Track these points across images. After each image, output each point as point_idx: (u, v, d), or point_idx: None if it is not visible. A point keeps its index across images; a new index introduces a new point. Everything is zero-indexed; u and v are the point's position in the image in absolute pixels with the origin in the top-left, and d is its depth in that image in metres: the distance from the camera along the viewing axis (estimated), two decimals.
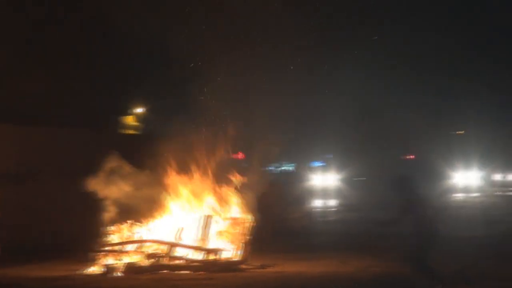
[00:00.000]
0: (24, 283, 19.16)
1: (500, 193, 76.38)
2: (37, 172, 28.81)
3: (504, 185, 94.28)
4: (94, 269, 21.16)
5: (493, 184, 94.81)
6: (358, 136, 79.62)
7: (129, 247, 21.83)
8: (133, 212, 23.00)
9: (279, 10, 28.19)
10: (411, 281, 18.82)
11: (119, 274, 20.67)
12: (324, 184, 67.49)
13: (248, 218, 22.55)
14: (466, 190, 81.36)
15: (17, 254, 23.44)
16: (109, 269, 20.94)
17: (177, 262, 21.38)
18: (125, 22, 28.05)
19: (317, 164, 77.42)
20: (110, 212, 22.67)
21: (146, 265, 21.15)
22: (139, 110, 34.02)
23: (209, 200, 23.45)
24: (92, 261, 21.55)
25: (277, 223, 32.02)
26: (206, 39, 25.05)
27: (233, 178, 23.63)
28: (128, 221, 22.78)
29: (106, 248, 21.67)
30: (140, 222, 22.85)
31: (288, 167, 74.00)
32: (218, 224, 22.78)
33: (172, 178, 23.63)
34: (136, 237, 22.23)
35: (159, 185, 23.44)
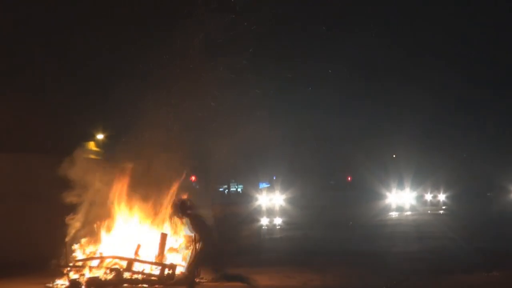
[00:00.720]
0: None
1: (430, 211, 77.01)
2: (3, 195, 28.84)
3: (434, 204, 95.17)
4: (59, 284, 21.20)
5: (424, 203, 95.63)
6: (299, 160, 79.92)
7: (91, 263, 21.93)
8: (94, 230, 23.12)
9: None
10: None
11: None
12: (270, 203, 67.63)
13: (200, 237, 22.74)
14: (400, 209, 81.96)
15: None
16: (73, 283, 21.02)
17: (135, 276, 21.49)
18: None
19: (263, 184, 77.56)
20: (73, 230, 22.76)
21: (107, 279, 21.24)
22: (100, 136, 34.04)
23: (165, 219, 23.59)
24: (57, 276, 21.59)
25: (228, 241, 32.21)
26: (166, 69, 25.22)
27: (187, 199, 23.77)
28: (90, 238, 22.90)
29: (70, 264, 21.70)
30: (101, 239, 22.97)
31: (236, 188, 74.10)
32: (173, 242, 22.98)
33: (130, 198, 23.75)
34: (98, 253, 22.33)
35: (119, 205, 23.57)
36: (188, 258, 22.44)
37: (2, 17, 29.44)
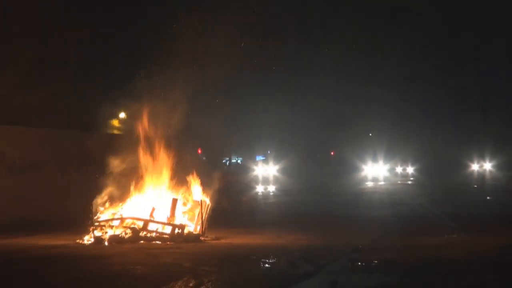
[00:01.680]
0: (32, 249, 19.20)
1: (400, 182, 77.19)
2: (40, 164, 28.84)
3: (404, 175, 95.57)
4: (86, 240, 21.20)
5: (395, 175, 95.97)
6: (290, 137, 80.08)
7: (113, 223, 21.93)
8: (117, 194, 23.13)
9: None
10: (329, 249, 19.15)
11: (105, 243, 20.75)
12: (265, 173, 67.65)
13: (206, 201, 22.77)
14: (375, 179, 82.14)
15: (26, 228, 23.46)
16: (97, 239, 21.02)
17: (150, 235, 21.51)
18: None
19: (259, 158, 77.57)
20: (98, 194, 22.78)
21: (126, 237, 21.24)
22: (122, 114, 33.91)
23: (176, 186, 23.62)
24: (84, 234, 21.61)
25: (228, 205, 32.23)
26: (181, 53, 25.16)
27: (194, 169, 23.81)
28: (113, 202, 22.92)
29: (95, 224, 21.71)
30: (122, 202, 22.99)
31: (237, 160, 74.08)
32: (183, 205, 23.01)
33: (147, 168, 23.77)
34: (118, 215, 22.33)
35: (137, 174, 23.59)
36: (195, 220, 22.46)
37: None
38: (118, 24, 27.53)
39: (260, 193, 50.98)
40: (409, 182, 76.07)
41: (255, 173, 64.75)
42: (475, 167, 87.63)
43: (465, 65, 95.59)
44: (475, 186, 63.46)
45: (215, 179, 24.32)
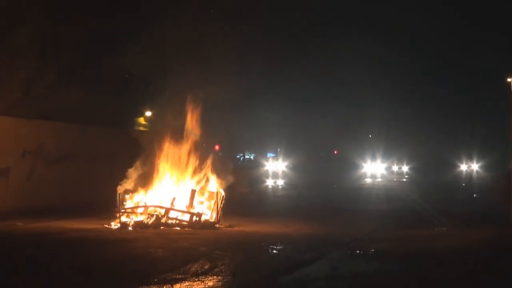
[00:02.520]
0: (64, 232, 19.26)
1: (396, 179, 77.10)
2: (73, 156, 28.96)
3: (399, 173, 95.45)
4: (113, 225, 21.26)
5: (392, 172, 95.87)
6: (298, 136, 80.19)
7: (138, 210, 22.00)
8: (141, 184, 23.20)
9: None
10: (330, 239, 19.17)
11: (130, 228, 20.79)
12: (275, 169, 67.57)
13: (221, 192, 22.78)
14: (373, 176, 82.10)
15: (61, 213, 23.55)
16: (123, 224, 21.07)
17: (171, 221, 21.56)
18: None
19: (270, 154, 77.51)
20: (125, 184, 22.85)
21: (149, 223, 21.30)
22: (148, 113, 33.97)
23: (195, 178, 23.68)
24: (112, 219, 21.67)
25: (241, 196, 32.25)
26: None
27: (211, 164, 23.86)
28: (138, 191, 22.99)
29: (122, 210, 21.76)
30: (146, 192, 23.06)
31: (250, 156, 74.11)
32: (200, 196, 23.04)
33: (170, 162, 23.83)
34: (143, 203, 22.39)
35: (161, 167, 23.66)
36: (211, 209, 22.49)
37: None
38: (146, 28, 27.54)
39: (270, 187, 50.98)
40: (404, 180, 75.95)
41: (266, 168, 64.60)
42: (463, 167, 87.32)
43: (458, 72, 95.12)
44: (463, 184, 63.29)
45: (230, 173, 24.33)
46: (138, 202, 22.56)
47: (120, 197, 22.04)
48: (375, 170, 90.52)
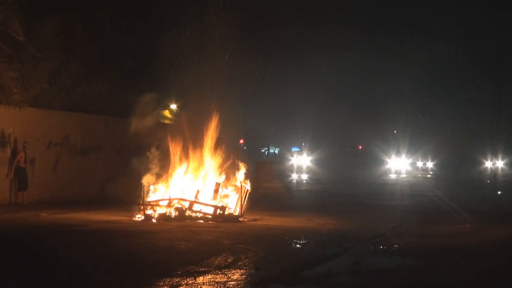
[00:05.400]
0: (88, 223, 19.37)
1: (421, 175, 76.81)
2: (98, 147, 29.12)
3: (424, 169, 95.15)
4: (137, 217, 21.32)
5: (416, 168, 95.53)
6: (323, 131, 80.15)
7: (162, 203, 22.02)
8: (165, 177, 23.26)
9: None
10: (354, 234, 19.11)
11: (154, 221, 20.84)
12: (299, 163, 67.57)
13: (245, 186, 22.77)
14: (397, 172, 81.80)
15: (85, 204, 23.69)
16: (147, 217, 21.12)
17: (194, 214, 21.58)
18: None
19: (295, 149, 77.54)
20: (150, 177, 22.92)
21: (173, 215, 21.34)
22: (173, 106, 34.01)
23: (220, 171, 23.69)
24: (136, 211, 21.75)
25: (265, 190, 32.22)
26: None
27: (236, 158, 23.87)
28: (162, 184, 23.04)
29: (146, 203, 21.81)
30: (170, 185, 23.10)
31: (274, 150, 74.18)
32: (224, 189, 23.04)
33: (194, 156, 23.84)
34: (167, 196, 22.42)
35: (186, 160, 23.68)
36: (235, 202, 22.48)
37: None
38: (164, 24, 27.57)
39: (294, 181, 50.93)
40: (429, 176, 75.67)
41: (290, 162, 64.68)
42: (488, 164, 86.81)
43: (485, 69, 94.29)
44: (488, 181, 62.90)
45: (255, 167, 24.34)
46: (162, 195, 22.58)
47: (145, 189, 22.09)
48: (400, 165, 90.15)
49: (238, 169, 23.36)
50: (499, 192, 44.07)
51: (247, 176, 23.40)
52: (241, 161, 23.58)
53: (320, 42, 48.45)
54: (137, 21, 30.92)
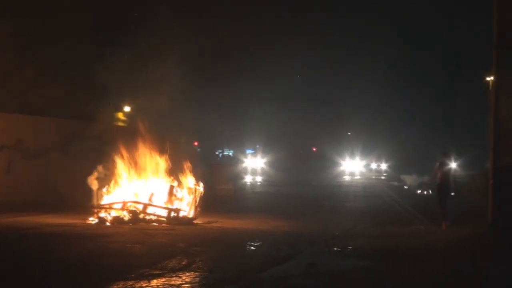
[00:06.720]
0: (41, 227, 19.19)
1: (375, 177, 77.42)
2: (51, 150, 28.80)
3: (378, 171, 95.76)
4: (91, 220, 21.18)
5: (370, 170, 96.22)
6: (277, 134, 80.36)
7: (116, 206, 21.92)
8: (119, 180, 23.14)
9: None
10: (308, 235, 19.21)
11: (108, 224, 20.73)
12: (253, 165, 67.61)
13: (199, 188, 22.77)
14: (352, 174, 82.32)
15: (38, 208, 23.45)
16: (101, 220, 21.01)
17: (149, 217, 21.53)
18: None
19: (249, 151, 77.56)
20: (103, 179, 22.79)
21: (127, 218, 21.25)
22: (126, 108, 33.82)
23: (173, 173, 23.63)
24: (89, 215, 21.61)
25: (220, 192, 32.24)
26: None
27: (190, 159, 23.86)
28: (116, 187, 22.93)
29: (99, 206, 21.71)
30: (124, 188, 22.99)
31: (229, 153, 74.11)
32: (178, 191, 22.98)
33: (148, 157, 23.75)
34: (120, 199, 22.31)
35: (139, 162, 23.58)
36: (189, 205, 22.47)
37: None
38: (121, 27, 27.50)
39: (248, 183, 50.96)
40: (382, 177, 76.27)
41: (244, 164, 64.65)
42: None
43: (437, 71, 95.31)
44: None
45: (209, 169, 24.35)
46: (116, 198, 22.47)
47: (98, 193, 21.97)
48: (354, 167, 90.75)
49: (190, 171, 23.36)
50: (452, 194, 44.55)
51: (201, 178, 23.42)
52: (193, 163, 23.59)
53: (273, 42, 48.60)
54: (90, 24, 30.68)
